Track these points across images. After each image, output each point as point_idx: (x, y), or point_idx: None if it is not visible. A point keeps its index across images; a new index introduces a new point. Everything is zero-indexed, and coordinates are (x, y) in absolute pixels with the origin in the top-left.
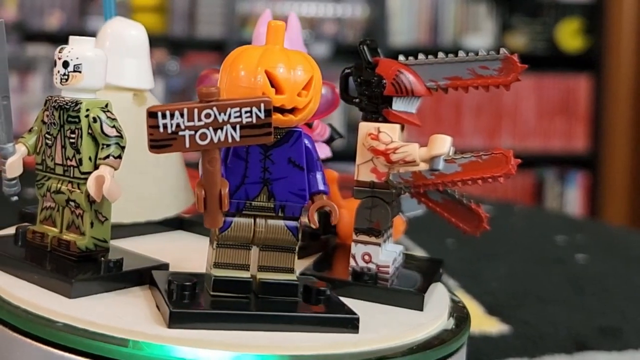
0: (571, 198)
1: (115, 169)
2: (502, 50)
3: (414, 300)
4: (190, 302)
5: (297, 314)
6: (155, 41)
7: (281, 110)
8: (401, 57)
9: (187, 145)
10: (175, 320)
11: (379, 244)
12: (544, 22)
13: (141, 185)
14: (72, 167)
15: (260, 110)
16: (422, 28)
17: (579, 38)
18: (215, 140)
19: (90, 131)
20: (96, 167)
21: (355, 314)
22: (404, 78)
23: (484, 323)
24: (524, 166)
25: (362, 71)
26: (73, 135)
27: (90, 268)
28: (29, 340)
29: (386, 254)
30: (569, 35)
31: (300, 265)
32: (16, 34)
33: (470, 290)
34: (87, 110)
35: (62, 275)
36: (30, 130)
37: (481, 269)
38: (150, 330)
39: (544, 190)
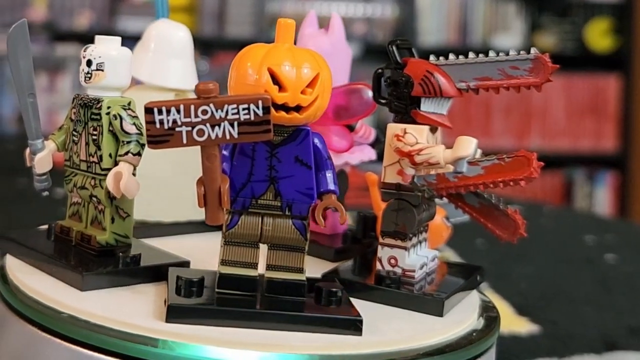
0: (600, 198)
1: (135, 166)
2: (533, 50)
3: (433, 305)
4: (193, 298)
5: (298, 314)
6: None
7: (286, 108)
8: (432, 57)
9: (185, 141)
10: (173, 315)
11: (405, 248)
12: (573, 22)
13: (185, 186)
14: (94, 164)
15: (258, 108)
16: (451, 28)
17: (608, 38)
18: (213, 136)
19: (111, 128)
20: (116, 164)
21: (359, 316)
22: (432, 78)
23: (513, 323)
24: (553, 166)
25: (391, 71)
26: (95, 132)
27: (107, 262)
28: (39, 332)
29: (414, 259)
30: (598, 35)
31: (332, 267)
32: (46, 34)
33: (499, 291)
34: (109, 107)
35: (76, 269)
36: (60, 128)
37: (511, 269)
38: (147, 324)
39: (573, 190)
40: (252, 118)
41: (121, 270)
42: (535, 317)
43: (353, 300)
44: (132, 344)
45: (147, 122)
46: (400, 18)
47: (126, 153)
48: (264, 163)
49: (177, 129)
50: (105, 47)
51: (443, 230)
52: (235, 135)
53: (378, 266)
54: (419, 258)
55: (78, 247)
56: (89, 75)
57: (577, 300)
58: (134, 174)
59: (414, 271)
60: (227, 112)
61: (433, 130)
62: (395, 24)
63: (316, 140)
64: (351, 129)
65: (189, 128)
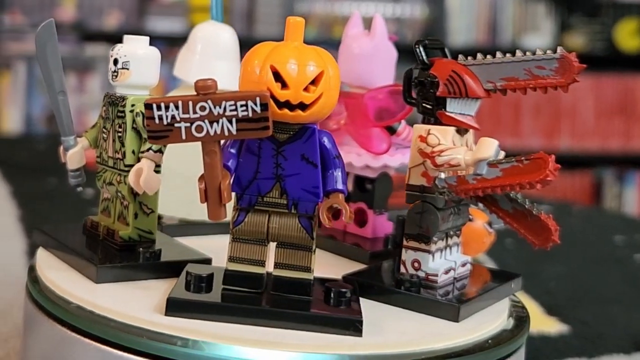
0: (630, 198)
1: (156, 163)
2: (559, 49)
3: (448, 310)
4: (202, 294)
5: (297, 312)
6: None
7: (289, 105)
8: (461, 57)
9: (184, 136)
10: (172, 308)
11: (428, 251)
12: (602, 22)
13: None
14: (119, 160)
15: (256, 104)
16: (480, 28)
17: (638, 38)
18: (212, 132)
19: (134, 125)
20: (139, 161)
21: (360, 316)
22: (457, 78)
23: (543, 323)
24: (582, 166)
25: (418, 72)
26: (120, 129)
27: (127, 257)
28: (52, 321)
29: (439, 263)
30: (628, 35)
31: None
32: (75, 34)
33: (529, 291)
34: (132, 105)
35: (91, 262)
36: (93, 126)
37: (540, 269)
38: (146, 317)
39: (603, 190)
40: (250, 115)
41: (137, 264)
42: (565, 317)
43: (370, 302)
44: (129, 335)
45: (146, 118)
46: (429, 18)
47: (147, 150)
48: (270, 160)
49: (176, 124)
50: (132, 47)
51: (485, 236)
52: (234, 132)
53: (402, 269)
54: (446, 263)
55: (105, 242)
56: (115, 73)
57: (607, 300)
58: (157, 171)
59: (436, 275)
60: (224, 108)
61: (462, 132)
62: (424, 24)
63: (324, 139)
64: (392, 131)
65: (188, 124)
